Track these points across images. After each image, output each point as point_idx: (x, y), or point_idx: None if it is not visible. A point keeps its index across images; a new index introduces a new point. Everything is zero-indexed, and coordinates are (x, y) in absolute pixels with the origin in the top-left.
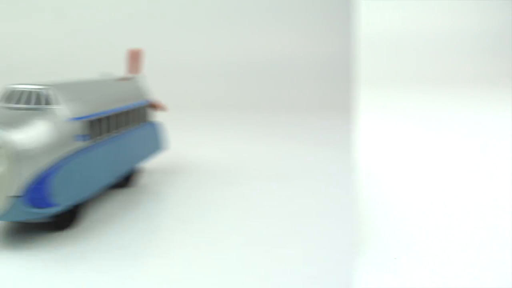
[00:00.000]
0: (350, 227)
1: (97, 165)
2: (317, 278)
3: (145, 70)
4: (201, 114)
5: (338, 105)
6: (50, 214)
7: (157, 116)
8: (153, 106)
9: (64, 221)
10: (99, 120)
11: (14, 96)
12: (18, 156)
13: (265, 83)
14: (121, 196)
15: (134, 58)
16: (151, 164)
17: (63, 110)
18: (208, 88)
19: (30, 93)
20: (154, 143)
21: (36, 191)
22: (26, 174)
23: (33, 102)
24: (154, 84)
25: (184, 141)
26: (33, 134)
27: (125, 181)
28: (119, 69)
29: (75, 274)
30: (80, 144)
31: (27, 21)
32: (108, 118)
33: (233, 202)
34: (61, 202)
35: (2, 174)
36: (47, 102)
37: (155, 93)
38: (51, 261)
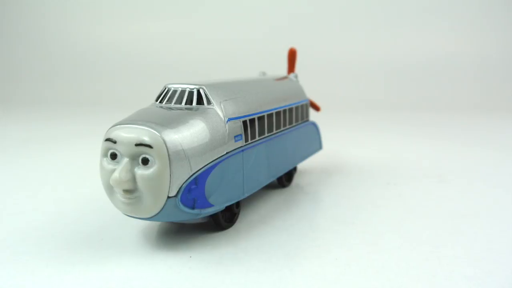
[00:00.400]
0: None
1: (255, 165)
2: (479, 279)
3: (298, 69)
4: (355, 114)
5: (502, 105)
6: (205, 215)
7: (312, 116)
8: (311, 105)
9: (223, 221)
10: (257, 119)
11: (169, 96)
12: (170, 156)
13: (423, 82)
14: (276, 196)
15: (292, 57)
16: (305, 164)
17: (219, 110)
18: (363, 88)
19: (186, 92)
20: (312, 142)
21: (191, 192)
22: (180, 174)
23: (189, 102)
24: (307, 83)
25: (338, 141)
26: (187, 134)
27: (286, 181)
28: (278, 68)
29: (234, 275)
30: (236, 144)
31: (187, 21)
32: (267, 117)
33: (392, 202)
34: (216, 203)
35: (155, 174)
36: (203, 102)
37: (309, 93)
38: (210, 262)
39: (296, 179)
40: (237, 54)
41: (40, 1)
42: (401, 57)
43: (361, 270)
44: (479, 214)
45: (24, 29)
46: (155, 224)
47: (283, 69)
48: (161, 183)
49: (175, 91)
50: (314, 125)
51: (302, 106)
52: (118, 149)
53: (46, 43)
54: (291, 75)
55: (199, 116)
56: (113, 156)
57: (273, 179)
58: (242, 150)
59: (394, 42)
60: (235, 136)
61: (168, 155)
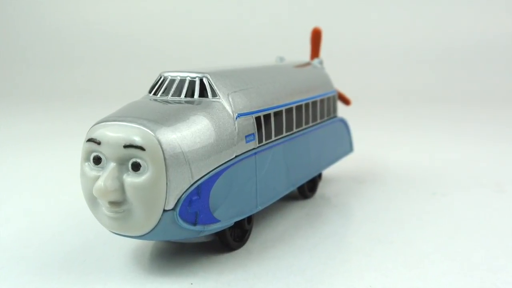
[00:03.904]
0: None
1: (271, 171)
2: None
3: (324, 54)
4: (393, 109)
5: None
6: (210, 232)
7: (340, 111)
8: (339, 98)
9: (231, 240)
10: (274, 115)
11: (166, 86)
12: (166, 160)
13: (474, 70)
14: (297, 209)
15: (316, 39)
16: (332, 169)
17: (226, 103)
18: (402, 78)
19: (186, 82)
20: (341, 143)
21: (193, 204)
22: (179, 182)
23: (190, 94)
24: (334, 71)
25: (372, 142)
26: (187, 133)
27: (308, 190)
28: (299, 53)
29: None
30: (248, 146)
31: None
32: (284, 113)
33: (438, 217)
34: (223, 218)
35: (148, 182)
36: (207, 94)
37: (336, 82)
38: None
39: (321, 188)
40: (248, 36)
41: None
42: (448, 39)
43: None
44: None
45: None
46: (148, 244)
47: (305, 54)
48: (155, 193)
49: (172, 81)
50: (343, 122)
51: (328, 99)
52: (103, 151)
53: (13, 20)
54: (315, 61)
55: (202, 111)
56: (97, 161)
57: (293, 188)
58: (255, 153)
59: (438, 22)
60: (246, 136)
61: (164, 159)
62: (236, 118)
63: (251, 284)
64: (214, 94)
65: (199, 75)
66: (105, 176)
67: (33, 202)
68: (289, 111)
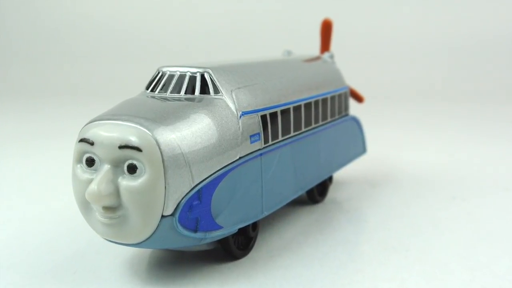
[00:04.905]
0: None
1: (277, 174)
2: None
3: (334, 47)
4: (409, 106)
5: None
6: (212, 240)
7: (353, 109)
8: (351, 95)
9: (235, 248)
10: (281, 113)
11: (164, 82)
12: (165, 162)
13: (498, 65)
14: (306, 215)
15: (327, 31)
16: (344, 172)
17: (229, 101)
18: (419, 73)
19: (186, 77)
20: (353, 144)
21: (193, 209)
22: (179, 186)
23: (190, 90)
24: (345, 66)
25: (387, 142)
26: (187, 133)
27: (318, 195)
28: (308, 46)
29: None
30: (253, 146)
31: None
32: (292, 111)
33: (458, 223)
34: (226, 224)
35: (145, 186)
36: (209, 90)
37: (348, 78)
38: None
39: (332, 192)
40: (253, 28)
41: None
42: (470, 31)
43: None
44: None
45: None
46: (145, 253)
47: (314, 47)
48: (153, 198)
49: (171, 76)
50: (355, 121)
51: (339, 95)
52: (97, 152)
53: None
54: (325, 55)
55: (204, 109)
56: (90, 162)
57: (301, 192)
58: (261, 154)
59: (461, 12)
60: (251, 136)
61: (163, 160)
62: (240, 116)
63: None
64: (216, 90)
65: (200, 70)
66: (98, 179)
67: (21, 207)
68: (297, 109)
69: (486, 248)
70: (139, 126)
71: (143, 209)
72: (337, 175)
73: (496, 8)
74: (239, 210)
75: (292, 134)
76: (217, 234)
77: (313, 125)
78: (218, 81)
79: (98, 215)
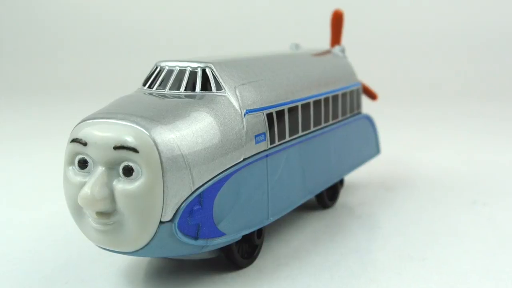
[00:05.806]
0: None
1: (284, 177)
2: None
3: (345, 41)
4: (426, 104)
5: None
6: (214, 248)
7: (365, 107)
8: (364, 92)
9: (239, 257)
10: (288, 111)
11: (163, 78)
12: (163, 164)
13: None
14: (315, 221)
15: (338, 23)
16: (356, 175)
17: (233, 98)
18: (436, 69)
19: (186, 73)
20: (366, 144)
21: (194, 215)
22: (178, 190)
23: (190, 87)
24: (358, 60)
25: (401, 143)
26: (187, 133)
27: (328, 199)
28: (317, 39)
29: None
30: (258, 147)
31: None
32: (300, 109)
33: (479, 230)
34: (229, 231)
35: (142, 190)
36: (210, 87)
37: (360, 74)
38: None
39: (343, 196)
40: (258, 19)
41: None
42: (491, 25)
43: None
44: None
45: None
46: (142, 262)
47: (324, 40)
48: (150, 202)
49: (170, 72)
50: (368, 119)
51: (351, 92)
52: (90, 154)
53: None
54: (336, 49)
55: (205, 107)
56: (83, 164)
57: (310, 197)
58: (266, 156)
59: (480, 6)
60: (256, 136)
61: (161, 162)
62: (245, 115)
63: None
64: (218, 87)
65: (201, 65)
66: (92, 183)
67: (8, 212)
68: (305, 106)
69: (510, 256)
70: (135, 125)
71: (139, 215)
72: (349, 178)
73: None
74: (243, 216)
75: (300, 134)
76: (219, 242)
77: (323, 124)
78: (221, 77)
79: (92, 221)
